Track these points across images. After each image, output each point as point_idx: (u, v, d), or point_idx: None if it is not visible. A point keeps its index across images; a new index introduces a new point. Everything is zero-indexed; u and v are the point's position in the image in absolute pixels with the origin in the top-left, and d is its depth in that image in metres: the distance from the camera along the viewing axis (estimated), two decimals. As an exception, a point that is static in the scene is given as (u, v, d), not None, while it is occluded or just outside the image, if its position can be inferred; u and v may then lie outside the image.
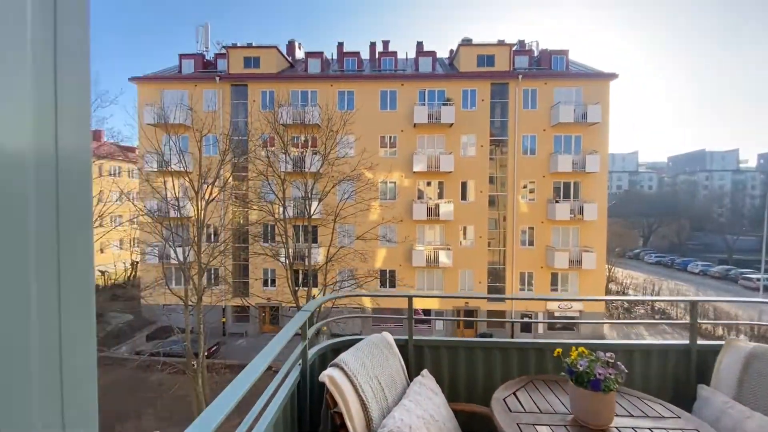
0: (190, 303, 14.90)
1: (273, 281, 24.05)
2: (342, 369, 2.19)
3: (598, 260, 23.69)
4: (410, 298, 3.17)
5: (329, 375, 2.11)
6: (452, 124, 23.61)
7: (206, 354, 16.12)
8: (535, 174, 24.25)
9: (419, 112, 23.26)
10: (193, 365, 14.04)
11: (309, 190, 17.72)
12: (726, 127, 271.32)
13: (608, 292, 33.11)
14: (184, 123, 22.16)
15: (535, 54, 27.77)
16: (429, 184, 24.46)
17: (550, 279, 24.56)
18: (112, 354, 18.76)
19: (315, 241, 22.98)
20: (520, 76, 23.88)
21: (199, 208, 15.31)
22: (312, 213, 17.72)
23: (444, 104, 23.57)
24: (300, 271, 20.64)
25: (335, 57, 28.74)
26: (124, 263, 35.83)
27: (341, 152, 20.52)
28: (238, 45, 25.95)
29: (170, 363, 16.06)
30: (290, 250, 17.50)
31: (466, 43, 25.53)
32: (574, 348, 2.24)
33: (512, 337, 24.14)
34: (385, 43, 28.56)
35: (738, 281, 39.44)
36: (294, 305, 16.99)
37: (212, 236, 22.58)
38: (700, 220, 60.58)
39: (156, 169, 19.85)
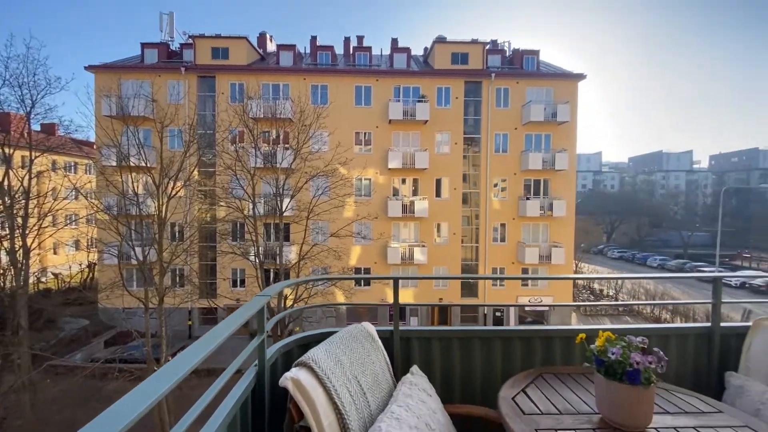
0: (151, 305, 13.93)
1: (242, 281, 23.14)
2: (311, 369, 1.71)
3: (567, 255, 24.35)
4: (396, 280, 2.65)
5: (293, 377, 1.65)
6: (427, 121, 23.53)
7: (169, 359, 15.12)
8: (506, 171, 24.61)
9: (394, 108, 23.01)
10: (155, 371, 13.11)
11: (281, 185, 17.05)
12: (681, 130, 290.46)
13: (575, 285, 34.22)
14: (145, 114, 20.89)
15: (508, 54, 28.22)
16: (404, 181, 24.29)
17: (521, 274, 25.07)
18: (64, 362, 17.29)
19: (287, 239, 22.24)
20: (493, 75, 24.15)
21: (161, 204, 14.34)
22: (284, 210, 17.06)
23: (419, 101, 23.43)
24: (271, 271, 19.91)
25: (308, 51, 28.00)
26: (80, 264, 33.44)
27: (314, 147, 19.94)
28: (206, 35, 24.68)
29: (128, 370, 14.98)
30: (260, 249, 16.79)
31: (441, 40, 25.52)
32: (601, 332, 1.84)
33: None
34: (360, 39, 28.12)
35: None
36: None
37: (177, 234, 21.41)
38: (658, 218, 64.59)
39: (114, 164, 18.47)
